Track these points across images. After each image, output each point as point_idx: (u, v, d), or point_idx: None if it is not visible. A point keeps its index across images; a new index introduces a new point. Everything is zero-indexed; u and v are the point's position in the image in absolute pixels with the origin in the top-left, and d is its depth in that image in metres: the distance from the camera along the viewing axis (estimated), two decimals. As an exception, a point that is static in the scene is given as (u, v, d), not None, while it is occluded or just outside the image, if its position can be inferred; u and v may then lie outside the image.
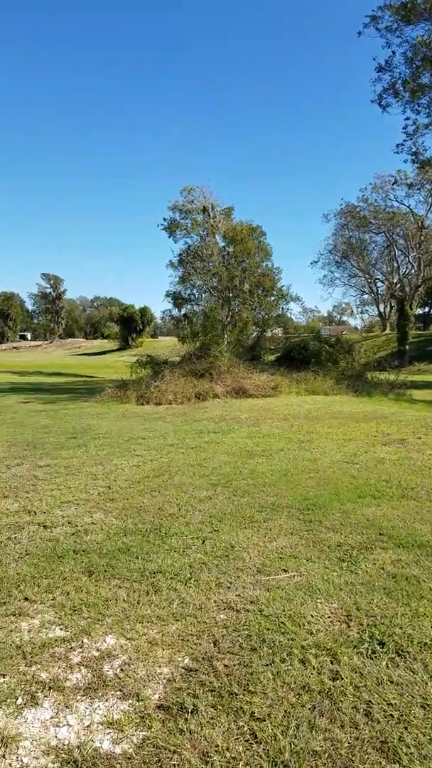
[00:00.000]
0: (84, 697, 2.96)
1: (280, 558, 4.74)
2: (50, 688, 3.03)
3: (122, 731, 2.70)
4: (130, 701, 2.93)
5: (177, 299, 30.28)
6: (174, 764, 2.48)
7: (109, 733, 2.70)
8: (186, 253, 28.56)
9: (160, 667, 3.22)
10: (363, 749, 2.57)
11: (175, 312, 32.12)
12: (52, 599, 4.02)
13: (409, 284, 59.67)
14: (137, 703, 2.91)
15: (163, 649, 3.39)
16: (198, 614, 3.79)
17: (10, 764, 2.51)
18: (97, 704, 2.91)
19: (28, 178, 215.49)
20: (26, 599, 4.03)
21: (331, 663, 3.23)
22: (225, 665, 3.21)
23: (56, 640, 3.51)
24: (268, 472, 7.76)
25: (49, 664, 3.26)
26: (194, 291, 29.79)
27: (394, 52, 24.75)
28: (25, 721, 2.78)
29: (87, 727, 2.74)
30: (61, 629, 3.64)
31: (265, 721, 2.75)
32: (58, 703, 2.92)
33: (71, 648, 3.43)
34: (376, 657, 3.29)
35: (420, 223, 55.73)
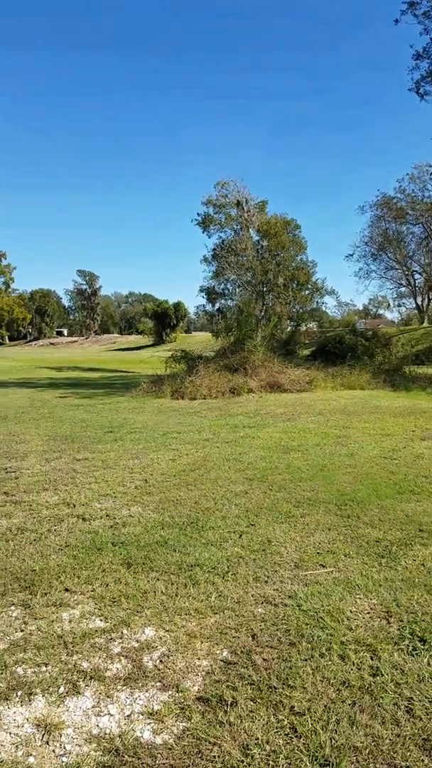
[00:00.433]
0: (124, 687, 3.00)
1: (318, 553, 4.72)
2: (91, 677, 3.08)
3: (162, 722, 2.73)
4: (170, 692, 2.96)
5: (211, 294, 30.27)
6: (214, 756, 2.49)
7: (149, 723, 2.73)
8: (220, 247, 28.50)
9: (199, 659, 3.24)
10: (405, 746, 2.54)
11: (209, 307, 32.16)
12: (92, 590, 4.09)
13: (447, 276, 58.46)
14: (177, 695, 2.93)
15: (202, 642, 3.41)
16: (236, 608, 3.80)
17: (53, 751, 2.56)
18: (138, 694, 2.94)
19: (66, 175, 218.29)
20: (67, 590, 4.10)
21: (371, 659, 3.21)
22: (264, 659, 3.22)
23: (96, 630, 3.56)
24: (305, 467, 7.72)
25: (89, 653, 3.31)
26: (228, 286, 29.74)
27: (432, 39, 24.21)
28: (68, 710, 2.84)
29: (128, 716, 2.78)
30: (101, 620, 3.69)
31: (305, 715, 2.74)
32: (99, 693, 2.96)
33: (111, 638, 3.48)
34: (417, 654, 3.25)
35: (459, 214, 54.44)
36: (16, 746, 2.58)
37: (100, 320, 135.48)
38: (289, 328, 28.63)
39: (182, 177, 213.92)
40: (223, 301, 30.33)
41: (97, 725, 2.72)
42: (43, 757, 2.52)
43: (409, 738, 2.59)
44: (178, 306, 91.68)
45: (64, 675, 3.10)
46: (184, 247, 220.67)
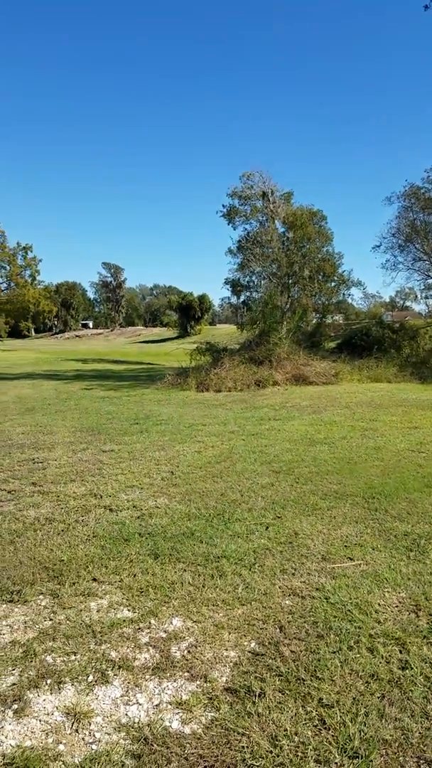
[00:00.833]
0: (153, 677, 3.02)
1: (345, 546, 4.68)
2: (120, 666, 3.11)
3: (191, 712, 2.74)
4: (198, 682, 2.96)
5: (236, 286, 30.10)
6: (243, 746, 2.49)
7: (178, 713, 2.74)
8: (245, 239, 28.30)
9: (226, 650, 3.25)
10: (436, 741, 2.51)
11: (234, 299, 32.00)
12: (120, 580, 4.11)
13: None
14: (205, 685, 2.94)
15: (230, 633, 3.41)
16: (263, 599, 3.79)
17: (83, 739, 2.58)
18: (166, 684, 2.96)
19: (90, 168, 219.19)
20: (95, 580, 4.13)
21: (400, 652, 3.18)
22: (291, 651, 3.20)
23: (124, 620, 3.58)
24: (331, 459, 7.66)
25: (118, 643, 3.34)
26: (253, 278, 29.55)
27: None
28: (97, 698, 2.86)
29: (156, 706, 2.79)
30: (128, 610, 3.72)
31: (333, 707, 2.73)
32: (128, 682, 2.98)
33: (139, 628, 3.50)
34: (447, 649, 3.20)
35: None
36: (47, 733, 2.61)
37: (125, 313, 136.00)
38: (314, 321, 28.38)
39: (208, 169, 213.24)
40: (248, 294, 30.17)
41: (126, 714, 2.74)
42: (73, 744, 2.54)
43: (440, 733, 2.56)
44: (202, 298, 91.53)
45: (93, 664, 3.13)
46: (209, 239, 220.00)
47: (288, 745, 2.49)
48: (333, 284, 28.45)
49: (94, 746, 2.53)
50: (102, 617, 3.63)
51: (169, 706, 2.79)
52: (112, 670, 3.08)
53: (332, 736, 2.55)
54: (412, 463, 7.37)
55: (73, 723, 2.68)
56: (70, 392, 17.83)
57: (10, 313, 71.79)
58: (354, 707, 2.73)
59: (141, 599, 3.84)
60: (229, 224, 28.60)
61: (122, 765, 2.41)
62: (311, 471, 7.07)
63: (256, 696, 2.82)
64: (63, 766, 2.41)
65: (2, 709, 2.77)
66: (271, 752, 2.45)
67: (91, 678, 3.01)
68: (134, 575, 4.19)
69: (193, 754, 2.47)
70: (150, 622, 3.56)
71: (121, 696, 2.88)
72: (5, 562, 4.45)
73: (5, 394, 17.28)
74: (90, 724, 2.67)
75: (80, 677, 3.02)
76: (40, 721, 2.69)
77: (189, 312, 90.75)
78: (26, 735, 2.60)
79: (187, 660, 3.16)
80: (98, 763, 2.41)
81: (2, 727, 2.65)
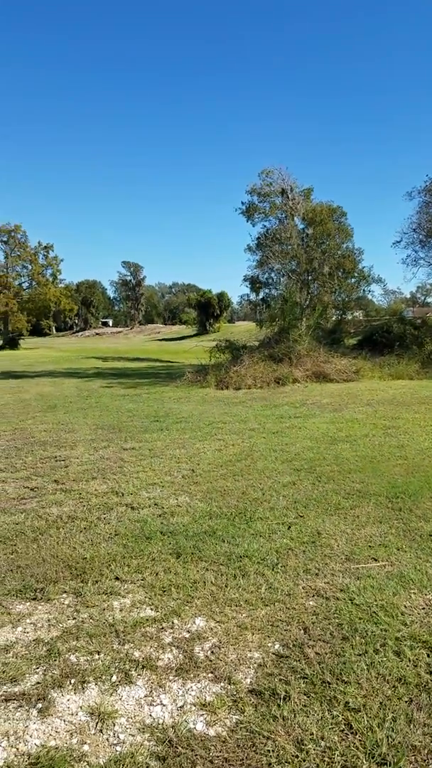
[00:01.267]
0: (176, 678, 3.00)
1: (370, 546, 4.62)
2: (143, 666, 3.09)
3: (215, 714, 2.71)
4: (222, 684, 2.93)
5: (255, 283, 30.01)
6: (268, 750, 2.46)
7: (202, 714, 2.71)
8: (264, 236, 28.18)
9: (250, 651, 3.21)
10: (466, 748, 2.46)
11: (253, 296, 31.89)
12: (142, 579, 4.10)
13: None
14: (229, 687, 2.91)
15: (253, 634, 3.38)
16: (287, 600, 3.75)
17: (107, 739, 2.57)
18: (190, 685, 2.93)
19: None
20: (117, 578, 4.13)
21: (428, 656, 3.12)
22: (316, 653, 3.16)
23: (147, 619, 3.57)
24: (353, 458, 7.58)
25: (141, 643, 3.32)
26: (272, 275, 29.41)
27: None
28: (120, 699, 2.85)
29: (180, 707, 2.77)
30: (151, 609, 3.70)
31: (360, 711, 2.68)
32: (152, 682, 2.96)
33: (162, 628, 3.48)
34: None
35: None
36: (71, 734, 2.60)
37: (144, 311, 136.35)
38: (334, 317, 28.20)
39: (228, 167, 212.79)
40: (267, 291, 30.05)
41: (150, 715, 2.72)
42: (97, 745, 2.53)
43: (471, 740, 2.50)
44: (221, 296, 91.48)
45: (117, 664, 3.12)
46: (228, 236, 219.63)
47: (314, 750, 2.45)
48: (353, 280, 28.26)
49: (118, 747, 2.51)
50: (125, 616, 3.62)
51: (194, 708, 2.76)
52: (135, 670, 3.07)
53: (359, 741, 2.50)
54: (436, 462, 7.26)
55: (97, 723, 2.67)
56: (91, 390, 17.92)
57: (32, 312, 72.45)
58: (381, 712, 2.68)
59: (164, 598, 3.82)
60: (248, 221, 28.52)
61: (147, 767, 2.39)
62: (333, 470, 7.00)
63: (281, 699, 2.78)
64: (88, 766, 2.40)
65: (27, 708, 2.77)
66: (297, 757, 2.42)
67: (114, 678, 3.00)
68: (156, 574, 4.18)
69: (218, 757, 2.44)
70: (173, 622, 3.54)
71: (145, 696, 2.86)
72: (29, 560, 4.47)
73: (27, 392, 17.43)
74: (114, 725, 2.66)
75: (104, 677, 3.01)
76: (64, 721, 2.68)
77: (208, 309, 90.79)
78: (51, 735, 2.60)
79: (210, 661, 3.14)
80: (123, 764, 2.39)
81: (27, 726, 2.65)
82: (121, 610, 3.69)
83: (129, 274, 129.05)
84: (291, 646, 3.24)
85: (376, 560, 4.36)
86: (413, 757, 2.42)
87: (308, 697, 2.80)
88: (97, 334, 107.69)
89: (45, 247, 72.19)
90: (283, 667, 3.05)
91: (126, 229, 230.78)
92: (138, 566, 4.32)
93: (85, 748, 2.51)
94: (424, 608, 3.63)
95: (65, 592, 3.95)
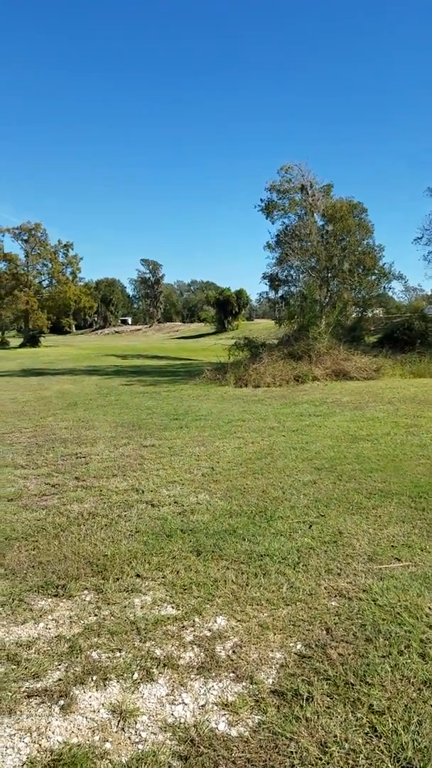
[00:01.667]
0: (198, 677, 2.98)
1: (392, 546, 4.56)
2: (165, 665, 3.08)
3: (237, 714, 2.69)
4: (244, 684, 2.91)
5: (274, 281, 29.85)
6: (291, 752, 2.43)
7: (224, 714, 2.69)
8: (283, 233, 28.02)
9: (272, 651, 3.19)
10: None
11: (272, 294, 31.74)
12: (163, 577, 4.09)
13: None
14: (251, 686, 2.89)
15: (275, 634, 3.35)
16: (308, 600, 3.72)
17: (129, 738, 2.56)
18: (211, 684, 2.92)
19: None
20: (138, 576, 4.13)
21: (454, 659, 3.06)
22: (339, 654, 3.13)
23: (168, 617, 3.56)
24: (375, 457, 7.51)
25: (162, 641, 3.31)
26: (291, 272, 29.24)
27: None
28: (142, 697, 2.84)
29: (202, 706, 2.75)
30: (172, 607, 3.69)
31: (384, 714, 2.64)
32: (173, 681, 2.95)
33: (183, 626, 3.47)
34: None
35: None
36: (93, 731, 2.60)
37: (163, 308, 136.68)
38: (354, 315, 27.94)
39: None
40: (286, 288, 29.89)
41: (172, 714, 2.71)
42: (119, 743, 2.52)
43: None
44: (240, 293, 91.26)
45: (138, 661, 3.11)
46: (247, 234, 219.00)
47: (338, 753, 2.42)
48: (374, 277, 27.95)
49: (140, 746, 2.50)
50: (146, 614, 3.61)
51: (215, 707, 2.74)
52: (157, 668, 3.06)
53: (384, 744, 2.46)
54: (459, 461, 7.15)
55: (119, 721, 2.66)
56: (111, 387, 18.00)
57: (52, 310, 73.01)
58: (406, 715, 2.64)
59: (184, 596, 3.81)
60: (267, 218, 28.36)
61: (169, 766, 2.38)
62: (354, 468, 6.94)
63: (303, 700, 2.75)
64: (110, 764, 2.39)
65: (49, 704, 2.78)
66: (320, 759, 2.39)
67: (136, 675, 2.99)
68: (177, 572, 4.17)
69: (240, 757, 2.42)
70: (194, 620, 3.53)
71: (167, 695, 2.85)
72: (50, 556, 4.49)
73: (48, 390, 17.57)
74: (136, 723, 2.65)
75: (125, 674, 3.00)
76: (86, 718, 2.69)
77: (226, 307, 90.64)
78: (73, 732, 2.60)
79: (232, 660, 3.12)
80: (145, 763, 2.38)
81: (50, 722, 2.65)
82: (142, 608, 3.69)
83: (148, 272, 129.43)
84: (313, 646, 3.21)
85: (399, 560, 4.30)
86: (439, 762, 2.37)
87: (331, 698, 2.77)
88: (116, 332, 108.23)
89: (65, 245, 72.60)
90: (306, 667, 3.02)
91: (140, 228, 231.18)
92: (159, 564, 4.31)
93: (107, 745, 2.50)
94: (448, 610, 3.57)
95: (86, 588, 3.96)
